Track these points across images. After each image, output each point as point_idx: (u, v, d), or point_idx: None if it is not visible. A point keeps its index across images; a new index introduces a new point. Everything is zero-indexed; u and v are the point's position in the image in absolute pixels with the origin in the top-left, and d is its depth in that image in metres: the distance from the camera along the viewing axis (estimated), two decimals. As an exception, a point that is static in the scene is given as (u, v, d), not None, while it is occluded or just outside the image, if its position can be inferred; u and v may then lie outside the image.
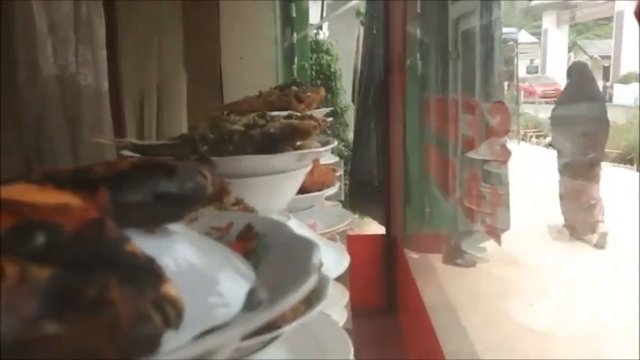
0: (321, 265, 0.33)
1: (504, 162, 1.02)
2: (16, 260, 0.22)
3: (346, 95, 5.10)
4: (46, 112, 1.49)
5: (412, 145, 2.31)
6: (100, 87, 1.65)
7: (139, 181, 0.27)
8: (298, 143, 0.79)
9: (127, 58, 2.03)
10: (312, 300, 0.61)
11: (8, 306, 0.21)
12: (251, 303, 0.34)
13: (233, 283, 0.34)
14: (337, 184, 1.38)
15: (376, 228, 2.79)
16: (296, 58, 4.06)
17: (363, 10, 3.22)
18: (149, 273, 0.23)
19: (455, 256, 1.50)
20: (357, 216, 3.06)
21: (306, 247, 0.34)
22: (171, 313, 0.23)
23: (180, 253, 0.31)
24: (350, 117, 5.18)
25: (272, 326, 0.55)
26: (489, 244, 1.61)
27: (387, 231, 2.41)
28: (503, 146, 0.99)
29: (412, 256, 2.25)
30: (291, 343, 0.66)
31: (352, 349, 0.69)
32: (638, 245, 3.69)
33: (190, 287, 0.30)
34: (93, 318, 0.21)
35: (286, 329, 0.56)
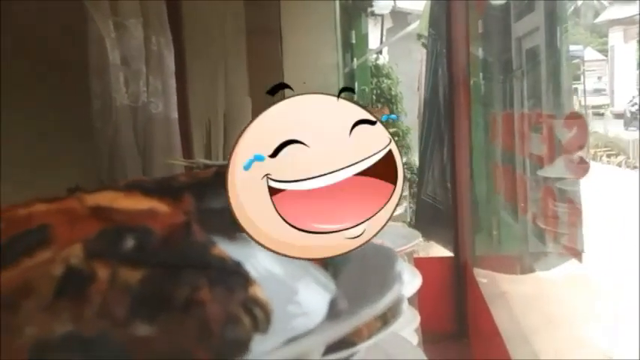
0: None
1: (582, 176, 0.97)
2: (108, 263, 0.22)
3: (407, 118, 5.08)
4: (119, 139, 1.54)
5: (479, 166, 2.26)
6: (169, 115, 1.70)
7: (221, 188, 0.27)
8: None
9: (195, 87, 2.09)
10: (387, 317, 0.60)
11: (101, 308, 0.21)
12: (332, 313, 0.33)
13: (312, 293, 0.34)
14: (404, 205, 1.36)
15: (439, 251, 2.72)
16: (356, 83, 4.08)
17: (424, 32, 3.21)
18: (238, 275, 0.23)
19: None
20: (421, 239, 3.00)
21: (387, 256, 0.33)
22: (260, 316, 0.22)
23: (260, 261, 0.31)
24: (412, 139, 5.14)
25: (348, 344, 0.54)
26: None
27: (455, 253, 2.36)
28: (582, 159, 0.94)
29: (481, 280, 2.19)
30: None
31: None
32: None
33: (270, 295, 0.29)
34: (184, 319, 0.21)
35: (362, 347, 0.55)
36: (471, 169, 2.24)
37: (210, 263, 0.22)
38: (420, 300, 1.19)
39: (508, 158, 1.81)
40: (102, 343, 0.20)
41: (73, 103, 1.52)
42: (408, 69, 4.95)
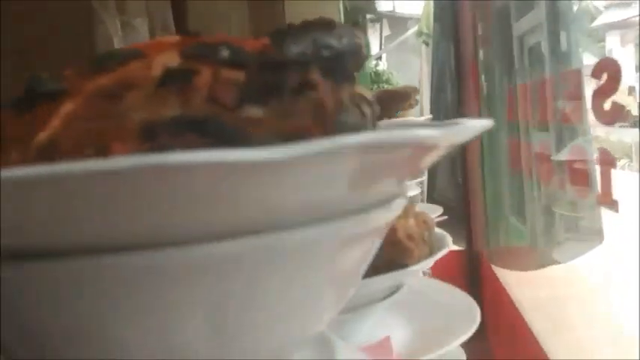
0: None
1: (616, 122, 0.95)
2: (209, 64, 0.21)
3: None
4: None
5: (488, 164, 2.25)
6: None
7: (300, 34, 0.27)
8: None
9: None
10: (434, 248, 0.59)
11: (209, 96, 0.20)
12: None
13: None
14: (418, 187, 1.36)
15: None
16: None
17: (424, 29, 3.20)
18: (343, 70, 0.22)
19: None
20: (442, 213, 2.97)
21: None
22: (368, 114, 0.21)
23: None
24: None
25: (399, 265, 0.54)
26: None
27: (468, 247, 2.33)
28: (614, 103, 0.90)
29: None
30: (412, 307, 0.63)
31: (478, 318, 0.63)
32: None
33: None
34: (297, 100, 0.20)
35: (413, 269, 0.54)
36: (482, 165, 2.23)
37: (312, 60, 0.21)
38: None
39: (522, 134, 1.78)
40: (213, 124, 0.19)
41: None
42: (407, 76, 4.96)
